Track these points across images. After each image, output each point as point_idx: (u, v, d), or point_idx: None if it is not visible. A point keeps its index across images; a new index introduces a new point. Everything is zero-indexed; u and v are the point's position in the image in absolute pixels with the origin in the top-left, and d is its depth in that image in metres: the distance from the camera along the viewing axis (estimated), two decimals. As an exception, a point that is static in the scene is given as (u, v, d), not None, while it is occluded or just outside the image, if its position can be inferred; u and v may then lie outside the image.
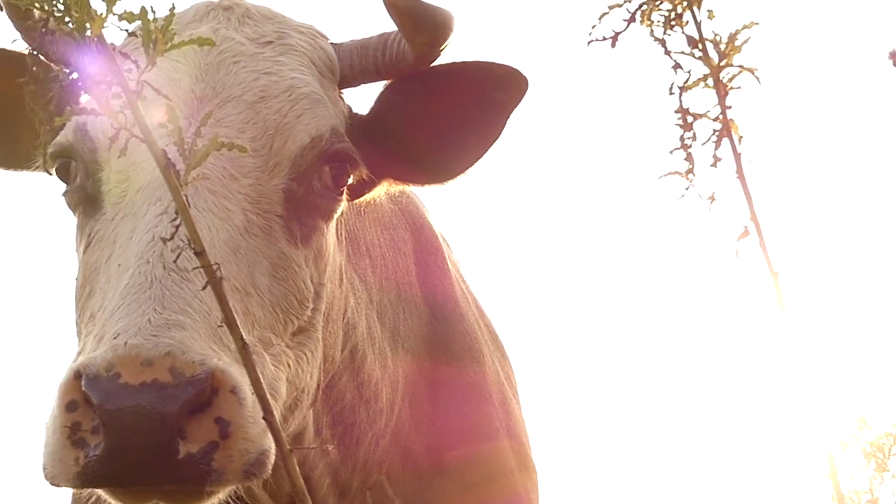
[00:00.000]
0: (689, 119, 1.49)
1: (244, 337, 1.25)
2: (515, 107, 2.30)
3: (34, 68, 1.29)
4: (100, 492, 1.69)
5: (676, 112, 1.49)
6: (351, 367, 2.37)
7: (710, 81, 1.50)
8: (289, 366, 1.96)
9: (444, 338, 2.77)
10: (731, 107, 1.50)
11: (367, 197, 2.32)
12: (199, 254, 1.25)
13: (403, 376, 2.63)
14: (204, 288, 1.25)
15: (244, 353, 1.25)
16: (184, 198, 1.26)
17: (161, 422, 1.53)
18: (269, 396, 1.25)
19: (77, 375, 1.57)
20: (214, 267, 1.25)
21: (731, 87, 1.51)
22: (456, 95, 2.29)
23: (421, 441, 2.66)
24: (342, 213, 2.19)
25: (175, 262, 1.67)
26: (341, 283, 2.27)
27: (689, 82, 1.49)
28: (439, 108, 2.30)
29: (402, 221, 2.79)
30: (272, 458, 1.64)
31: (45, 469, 1.59)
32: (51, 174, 2.12)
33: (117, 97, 1.27)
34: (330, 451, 1.49)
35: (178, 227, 1.27)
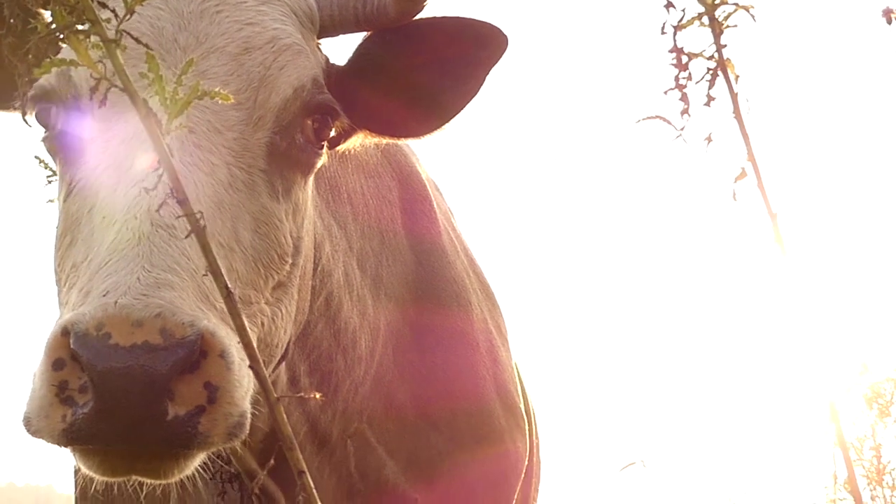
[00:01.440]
0: (684, 59, 1.45)
1: (228, 286, 1.23)
2: (494, 64, 2.30)
3: (11, 20, 1.27)
4: (73, 455, 1.68)
5: (671, 52, 1.45)
6: (326, 314, 2.37)
7: (706, 20, 1.47)
8: (263, 324, 1.96)
9: (430, 285, 2.77)
10: (726, 45, 1.46)
11: (343, 147, 2.31)
12: (182, 202, 1.24)
13: (385, 323, 2.62)
14: (187, 237, 1.23)
15: (229, 302, 1.23)
16: (166, 147, 1.25)
17: (151, 383, 1.52)
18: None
19: (64, 332, 1.56)
20: (197, 216, 1.23)
21: (727, 26, 1.47)
22: (435, 51, 2.29)
23: (405, 389, 2.66)
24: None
25: (158, 210, 1.66)
26: (314, 235, 2.27)
27: (684, 21, 1.46)
28: (418, 63, 2.29)
29: (387, 169, 2.78)
30: (249, 418, 1.65)
31: (28, 421, 1.59)
32: (28, 122, 2.11)
33: (96, 47, 1.26)
34: (316, 398, 1.48)
35: (160, 176, 1.26)
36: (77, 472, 2.91)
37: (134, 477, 1.72)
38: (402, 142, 2.43)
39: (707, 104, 1.43)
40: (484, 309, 2.96)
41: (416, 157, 3.02)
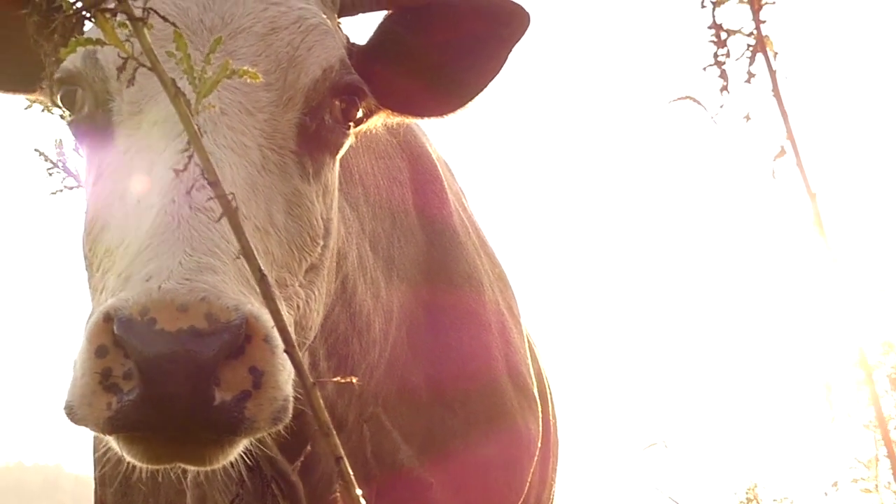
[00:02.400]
0: (723, 35, 1.42)
1: (262, 268, 1.21)
2: (516, 43, 2.27)
3: (37, -3, 1.24)
4: (113, 444, 1.65)
5: (710, 28, 1.42)
6: (342, 297, 2.35)
7: (744, -5, 1.44)
8: (298, 307, 1.94)
9: (441, 266, 2.75)
10: (765, 21, 1.43)
11: (364, 127, 2.28)
12: (213, 184, 1.21)
13: (399, 305, 2.60)
14: (220, 218, 1.20)
15: (263, 284, 1.21)
16: (195, 127, 1.22)
17: (198, 368, 1.49)
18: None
19: (107, 318, 1.53)
20: (229, 196, 1.21)
21: (766, 2, 1.44)
22: (456, 29, 2.26)
23: (419, 371, 2.64)
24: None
25: (190, 193, 1.63)
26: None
27: (722, -4, 1.43)
28: (438, 41, 2.27)
29: (397, 150, 2.75)
30: (292, 402, 1.63)
31: (71, 409, 1.56)
32: (56, 104, 2.08)
33: (123, 26, 1.23)
34: (353, 383, 1.45)
35: (190, 157, 1.23)
36: (100, 457, 2.90)
37: (177, 463, 1.70)
38: (422, 121, 2.39)
39: (748, 81, 1.40)
40: (496, 290, 2.94)
41: (426, 138, 2.99)
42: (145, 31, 1.22)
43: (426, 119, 2.36)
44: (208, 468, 1.67)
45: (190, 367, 1.49)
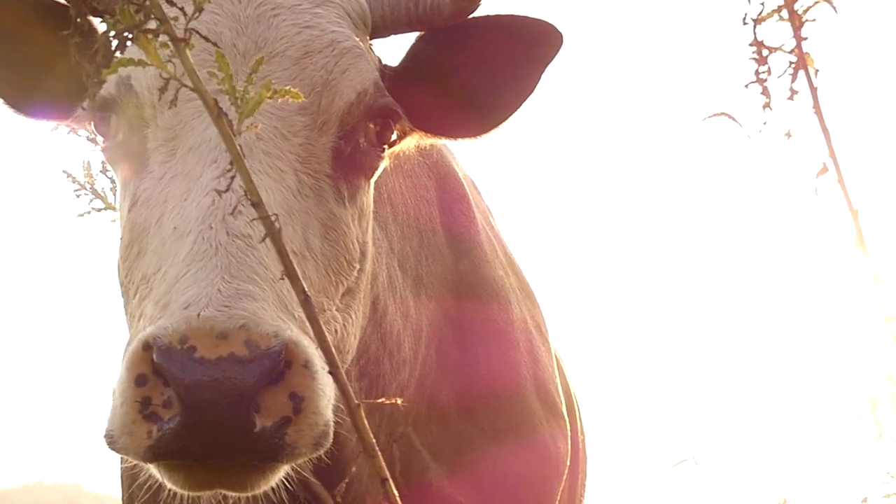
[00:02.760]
0: (764, 52, 1.41)
1: (305, 290, 1.20)
2: (550, 62, 2.25)
3: (78, 19, 1.23)
4: (154, 472, 1.64)
5: (751, 45, 1.42)
6: (373, 318, 2.33)
7: (785, 13, 1.43)
8: (336, 332, 1.93)
9: (469, 284, 2.73)
10: (806, 38, 1.42)
11: (397, 149, 2.27)
12: (256, 205, 1.21)
13: (427, 324, 2.58)
14: (263, 240, 1.20)
15: (307, 306, 1.20)
16: (238, 148, 1.22)
17: (238, 396, 1.48)
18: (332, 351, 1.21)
19: (146, 347, 1.52)
20: (273, 218, 1.20)
21: (807, 20, 1.43)
22: (489, 49, 2.24)
23: (448, 388, 2.61)
24: None
25: (232, 214, 1.63)
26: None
27: (763, 14, 1.42)
28: (472, 62, 2.25)
29: (425, 169, 2.74)
30: (333, 427, 1.61)
31: (111, 438, 1.55)
32: (92, 130, 2.08)
33: (165, 46, 1.23)
34: (398, 404, 1.44)
35: (232, 178, 1.23)
36: (126, 476, 2.88)
37: (218, 490, 1.68)
38: (455, 143, 2.37)
39: (790, 98, 1.39)
40: (524, 308, 2.93)
41: (453, 156, 2.98)
42: (187, 52, 1.22)
43: (459, 140, 2.33)
44: (249, 494, 1.65)
45: (231, 395, 1.48)
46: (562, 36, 2.21)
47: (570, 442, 2.95)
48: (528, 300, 3.00)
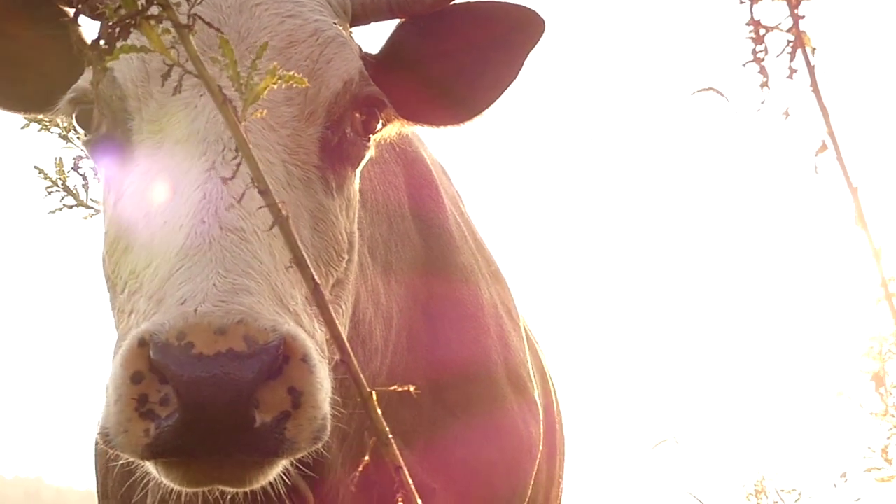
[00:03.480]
0: (761, 31, 1.42)
1: (315, 277, 1.19)
2: (532, 48, 2.25)
3: (79, 5, 1.21)
4: (151, 469, 1.63)
5: (748, 24, 1.42)
6: None
7: (781, -9, 1.44)
8: None
9: (438, 269, 2.73)
10: (803, 17, 1.43)
11: (379, 136, 2.25)
12: (264, 192, 1.20)
13: (398, 311, 2.58)
14: (271, 228, 1.19)
15: (317, 294, 1.19)
16: (244, 135, 1.20)
17: (238, 391, 1.48)
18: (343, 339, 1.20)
19: (142, 343, 1.51)
20: (280, 205, 1.19)
21: (802, -3, 1.44)
22: (471, 36, 2.24)
23: (419, 376, 2.61)
24: None
25: (218, 212, 1.61)
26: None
27: (760, -8, 1.43)
28: (453, 49, 2.24)
29: (392, 155, 2.74)
30: (330, 420, 1.61)
31: (106, 436, 1.53)
32: (73, 122, 2.05)
33: (166, 32, 1.21)
34: (411, 392, 1.44)
35: (238, 165, 1.22)
36: (101, 471, 2.85)
37: (217, 486, 1.67)
38: (438, 130, 2.36)
39: (789, 77, 1.40)
40: (493, 292, 2.93)
41: (421, 142, 2.97)
42: (191, 38, 1.20)
43: (442, 128, 2.33)
44: (248, 489, 1.65)
45: (230, 391, 1.47)
46: (544, 22, 2.21)
47: (544, 425, 2.96)
48: (498, 284, 3.00)
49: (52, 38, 2.12)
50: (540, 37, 2.22)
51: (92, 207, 2.67)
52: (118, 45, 1.19)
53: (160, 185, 1.80)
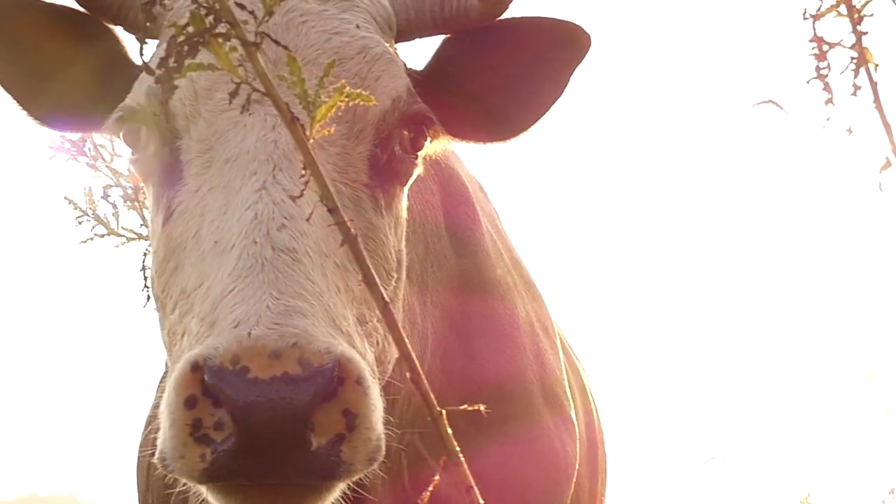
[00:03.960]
0: (825, 48, 1.41)
1: (384, 296, 1.18)
2: (578, 64, 2.22)
3: (147, 24, 1.21)
4: (209, 496, 1.61)
5: (811, 41, 1.41)
6: None
7: (843, 8, 1.43)
8: (377, 343, 1.90)
9: (473, 289, 2.69)
10: (866, 33, 1.43)
11: (424, 153, 2.24)
12: (333, 210, 1.19)
13: (433, 332, 2.55)
14: (342, 245, 1.18)
15: (386, 313, 1.19)
16: (312, 153, 1.20)
17: (293, 415, 1.46)
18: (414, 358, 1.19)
19: (195, 367, 1.49)
20: (349, 223, 1.19)
21: (865, 14, 1.43)
22: (516, 52, 2.21)
23: (454, 396, 2.57)
24: None
25: (269, 233, 1.60)
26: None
27: (822, 9, 1.42)
28: (499, 64, 2.22)
29: (428, 173, 2.72)
30: (384, 440, 1.59)
31: (164, 461, 1.53)
32: (120, 138, 2.04)
33: (233, 50, 1.21)
34: (482, 411, 1.41)
35: (306, 183, 1.21)
36: (142, 487, 2.84)
37: None
38: (484, 146, 2.34)
39: (853, 94, 1.39)
40: (530, 310, 2.90)
41: (457, 159, 2.95)
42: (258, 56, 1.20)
43: (487, 144, 2.30)
44: None
45: (286, 414, 1.45)
46: (589, 37, 2.19)
47: (586, 442, 2.93)
48: (535, 302, 2.98)
49: (95, 55, 2.13)
50: (586, 53, 2.20)
51: (123, 236, 2.66)
52: (186, 63, 1.19)
53: (210, 205, 1.78)
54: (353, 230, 1.19)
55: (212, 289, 1.65)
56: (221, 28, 1.20)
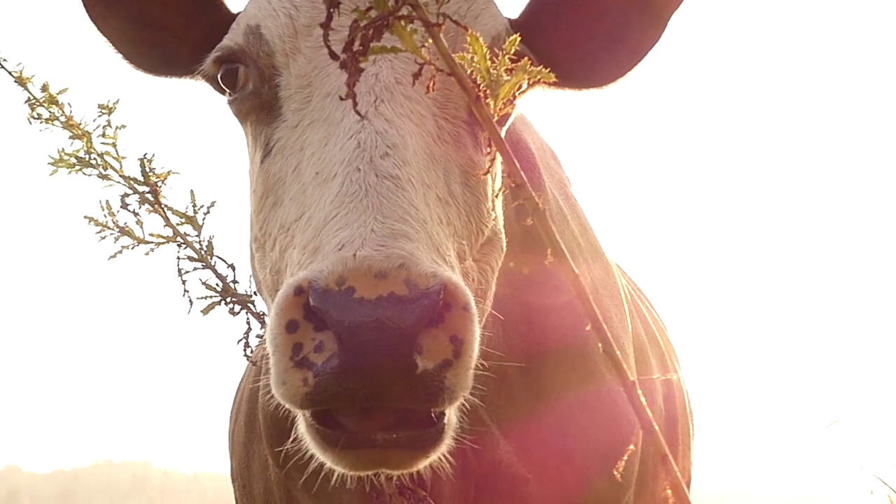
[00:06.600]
0: None
1: (574, 269, 1.19)
2: (675, 10, 2.18)
3: (331, 10, 1.24)
4: (321, 456, 1.61)
5: None
6: None
7: None
8: (474, 280, 1.89)
9: (536, 256, 2.67)
10: None
11: (520, 100, 2.22)
12: (520, 186, 1.21)
13: (494, 297, 2.56)
14: (530, 221, 1.19)
15: (576, 284, 1.19)
16: (498, 130, 1.21)
17: (400, 336, 1.43)
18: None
19: (298, 291, 1.47)
20: (537, 199, 1.20)
21: None
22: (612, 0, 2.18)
23: (515, 363, 2.53)
24: None
25: (373, 160, 1.61)
26: None
27: None
28: (596, 10, 2.20)
29: None
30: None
31: (275, 388, 1.52)
32: (219, 83, 2.07)
33: (414, 31, 1.23)
34: (672, 379, 1.41)
35: (492, 160, 1.23)
36: (233, 455, 2.91)
37: (382, 470, 1.65)
38: (580, 94, 2.29)
39: None
40: (596, 276, 2.86)
41: (525, 126, 2.91)
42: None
43: (584, 91, 2.26)
44: (409, 471, 1.63)
45: (392, 336, 1.43)
46: None
47: (664, 398, 2.85)
48: (602, 267, 2.92)
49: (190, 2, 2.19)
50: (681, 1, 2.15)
51: (151, 242, 2.56)
52: (371, 45, 1.21)
53: (310, 139, 1.80)
54: (541, 206, 1.19)
55: (313, 217, 1.65)
56: (404, 11, 1.22)
